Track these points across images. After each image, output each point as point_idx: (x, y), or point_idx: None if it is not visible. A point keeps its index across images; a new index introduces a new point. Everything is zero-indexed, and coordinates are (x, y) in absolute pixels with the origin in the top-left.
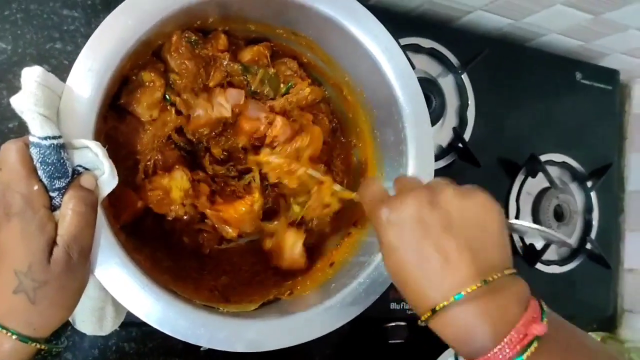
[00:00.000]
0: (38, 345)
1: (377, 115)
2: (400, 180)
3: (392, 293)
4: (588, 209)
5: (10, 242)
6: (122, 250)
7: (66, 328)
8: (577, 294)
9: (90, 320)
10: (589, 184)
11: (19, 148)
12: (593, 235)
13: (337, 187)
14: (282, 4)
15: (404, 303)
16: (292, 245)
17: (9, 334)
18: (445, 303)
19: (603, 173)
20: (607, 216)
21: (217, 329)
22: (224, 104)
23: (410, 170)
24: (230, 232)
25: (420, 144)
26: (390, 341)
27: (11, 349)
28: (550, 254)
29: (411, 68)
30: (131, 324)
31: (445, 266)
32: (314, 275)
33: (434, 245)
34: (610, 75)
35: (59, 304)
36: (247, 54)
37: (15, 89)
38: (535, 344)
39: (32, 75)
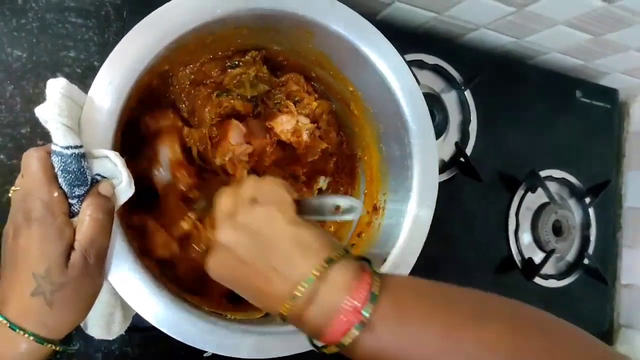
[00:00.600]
0: (53, 347)
1: (384, 130)
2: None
3: None
4: (586, 225)
5: (30, 246)
6: (134, 256)
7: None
8: (574, 309)
9: (99, 324)
10: (587, 200)
11: (41, 156)
12: (590, 250)
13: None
14: (295, 21)
15: None
16: None
17: (26, 335)
18: (286, 308)
19: (601, 190)
20: (604, 232)
21: (225, 335)
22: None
23: (415, 183)
24: None
25: (426, 159)
26: None
27: (27, 350)
28: (549, 268)
29: (418, 86)
30: (135, 329)
31: (266, 289)
32: None
33: (250, 273)
34: (610, 94)
35: (75, 306)
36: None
37: (28, 95)
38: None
39: (56, 87)
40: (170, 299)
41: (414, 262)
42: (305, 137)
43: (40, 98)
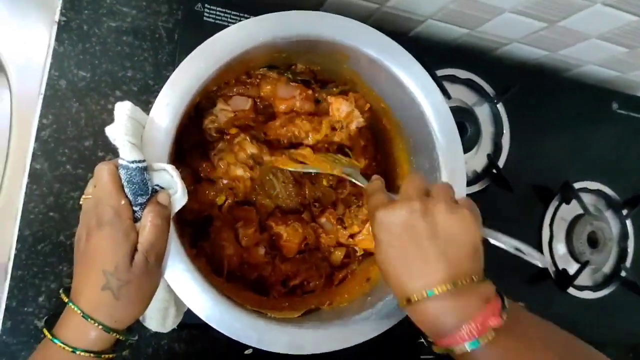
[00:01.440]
0: (117, 336)
1: (414, 145)
2: (408, 182)
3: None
4: (623, 237)
5: (101, 247)
6: (188, 258)
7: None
8: (611, 321)
9: (155, 317)
10: (624, 212)
11: (111, 170)
12: (628, 263)
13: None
14: (331, 45)
15: None
16: None
17: (96, 324)
18: (419, 297)
19: (638, 202)
20: None
21: (265, 331)
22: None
23: None
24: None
25: (453, 173)
26: (421, 357)
27: (96, 337)
28: (584, 279)
29: (445, 103)
30: (182, 326)
31: (424, 267)
32: (352, 289)
33: (417, 249)
34: None
35: (137, 300)
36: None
37: (91, 112)
38: (492, 334)
39: (123, 109)
40: (217, 297)
41: None
42: (354, 126)
43: (102, 114)
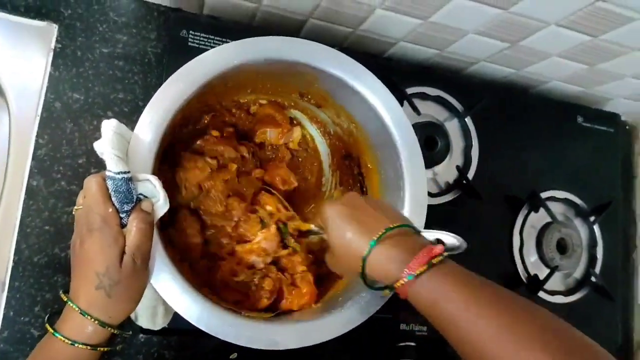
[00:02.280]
0: (112, 330)
1: (381, 156)
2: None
3: (402, 315)
4: (592, 243)
5: (93, 251)
6: (170, 261)
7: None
8: (583, 326)
9: (145, 315)
10: (592, 219)
11: (98, 181)
12: (597, 268)
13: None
14: (301, 67)
15: (413, 324)
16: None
17: (92, 319)
18: (367, 251)
19: (605, 209)
20: (612, 251)
21: (243, 329)
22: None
23: (407, 200)
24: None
25: (415, 180)
26: (399, 344)
27: (92, 332)
28: (556, 284)
29: (406, 118)
30: (172, 332)
31: (365, 228)
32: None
33: (354, 222)
34: (611, 118)
35: (128, 298)
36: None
37: (84, 132)
38: (439, 258)
39: (109, 126)
40: (196, 297)
41: None
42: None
43: (94, 133)
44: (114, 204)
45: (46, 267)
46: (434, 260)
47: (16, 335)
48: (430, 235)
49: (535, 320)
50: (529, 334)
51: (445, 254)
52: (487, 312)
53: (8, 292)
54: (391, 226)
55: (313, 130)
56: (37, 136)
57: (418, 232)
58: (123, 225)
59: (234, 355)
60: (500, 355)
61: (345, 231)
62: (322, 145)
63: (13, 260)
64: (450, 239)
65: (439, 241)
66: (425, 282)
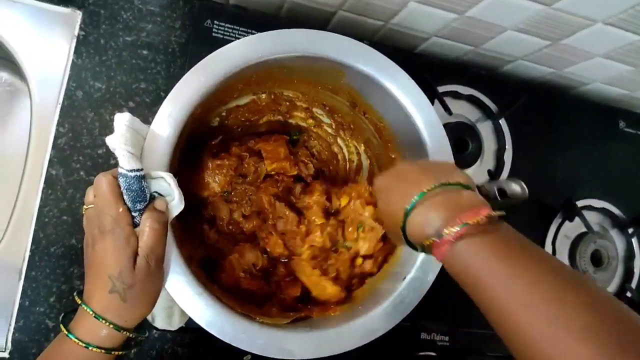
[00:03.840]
0: (127, 334)
1: (409, 157)
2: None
3: (422, 323)
4: (629, 256)
5: (105, 253)
6: (184, 262)
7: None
8: None
9: (161, 316)
10: (630, 230)
11: (109, 180)
12: (634, 283)
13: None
14: (328, 62)
15: (435, 333)
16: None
17: (107, 323)
18: (411, 204)
19: None
20: None
21: (256, 336)
22: None
23: None
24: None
25: None
26: (419, 354)
27: (107, 335)
28: None
29: (438, 120)
30: (186, 330)
31: (412, 185)
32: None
33: (406, 179)
34: None
35: (143, 301)
36: None
37: (105, 121)
38: (483, 218)
39: (122, 120)
40: (210, 301)
41: (431, 282)
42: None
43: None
44: (125, 203)
45: (63, 257)
46: (475, 220)
47: (31, 325)
48: (490, 186)
49: (592, 307)
50: (584, 325)
51: (497, 213)
52: (533, 298)
53: (24, 281)
54: (435, 184)
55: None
56: (57, 124)
57: (472, 189)
58: (136, 225)
59: (248, 357)
60: (552, 353)
61: (390, 195)
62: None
63: (30, 250)
64: (512, 185)
65: (500, 191)
66: (464, 246)
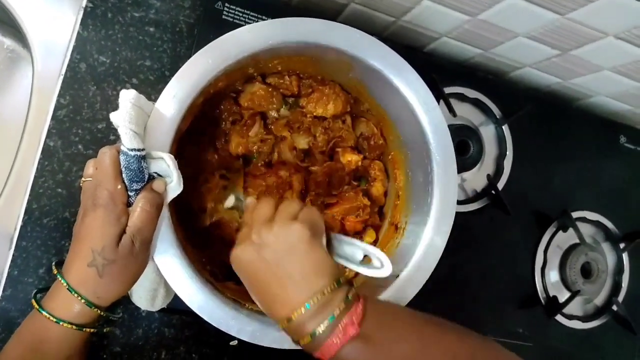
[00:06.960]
0: (99, 312)
1: (411, 157)
2: (250, 212)
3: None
4: (618, 270)
5: (93, 227)
6: (179, 245)
7: (120, 306)
8: (596, 354)
9: (145, 297)
10: (622, 245)
11: (112, 155)
12: (621, 297)
13: None
14: (337, 54)
15: None
16: None
17: (80, 298)
18: (286, 323)
19: (637, 237)
20: (639, 281)
21: (246, 323)
22: None
23: (434, 209)
24: None
25: (445, 189)
26: None
27: (79, 311)
28: (575, 309)
29: (444, 121)
30: (173, 311)
31: (283, 294)
32: None
33: (272, 279)
34: None
35: (120, 280)
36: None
37: (107, 96)
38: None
39: (128, 97)
40: (202, 285)
41: (424, 281)
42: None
43: (117, 99)
44: (123, 181)
45: (55, 230)
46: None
47: (19, 295)
48: (358, 249)
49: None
50: None
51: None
52: None
53: (15, 250)
54: (312, 301)
55: None
56: (58, 96)
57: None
58: (130, 204)
59: (235, 342)
60: None
61: (268, 286)
62: None
63: (22, 220)
64: (378, 254)
65: (365, 257)
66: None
